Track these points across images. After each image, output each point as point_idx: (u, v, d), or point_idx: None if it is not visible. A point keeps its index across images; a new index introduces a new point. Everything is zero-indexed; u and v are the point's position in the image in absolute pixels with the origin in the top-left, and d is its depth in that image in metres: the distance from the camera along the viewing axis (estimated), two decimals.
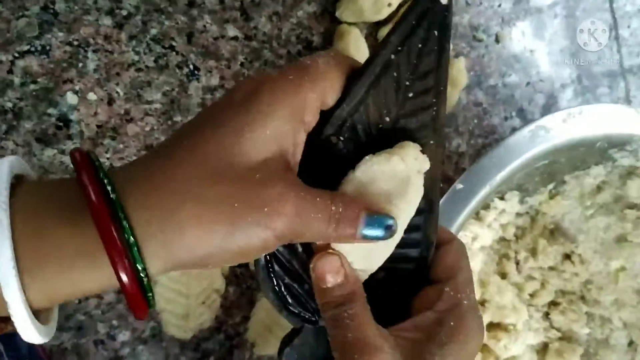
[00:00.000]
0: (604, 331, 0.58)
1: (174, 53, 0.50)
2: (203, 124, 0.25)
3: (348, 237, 0.26)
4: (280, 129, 0.24)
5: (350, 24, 0.54)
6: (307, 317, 0.30)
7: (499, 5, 0.62)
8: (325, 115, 0.28)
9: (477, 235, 0.54)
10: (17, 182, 0.24)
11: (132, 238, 0.22)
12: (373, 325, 0.27)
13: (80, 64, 0.47)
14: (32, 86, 0.46)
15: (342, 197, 0.26)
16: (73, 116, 0.47)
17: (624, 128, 0.51)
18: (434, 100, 0.28)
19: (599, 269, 0.58)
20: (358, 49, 0.52)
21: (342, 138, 0.28)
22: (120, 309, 0.49)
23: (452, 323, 0.28)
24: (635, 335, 0.56)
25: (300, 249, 0.29)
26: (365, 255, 0.28)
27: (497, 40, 0.62)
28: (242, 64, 0.52)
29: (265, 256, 0.28)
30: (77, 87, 0.47)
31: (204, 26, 0.51)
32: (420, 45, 0.27)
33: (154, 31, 0.49)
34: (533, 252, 0.58)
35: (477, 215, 0.54)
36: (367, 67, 0.27)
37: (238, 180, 0.23)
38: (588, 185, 0.57)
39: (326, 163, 0.28)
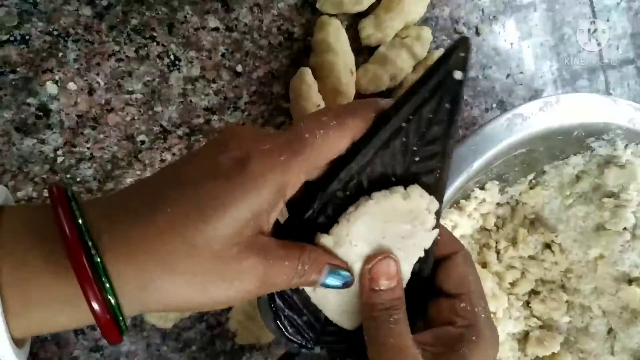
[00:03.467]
0: (583, 319, 0.58)
1: (155, 43, 0.50)
2: (185, 190, 0.25)
3: (309, 283, 0.29)
4: (261, 207, 0.25)
5: (330, 15, 0.54)
6: (304, 344, 0.31)
7: None
8: (333, 170, 0.29)
9: (457, 224, 0.54)
10: None
11: (107, 284, 0.23)
12: (410, 335, 0.29)
13: (60, 54, 0.47)
14: (12, 76, 0.46)
15: (309, 254, 0.28)
16: (53, 106, 0.47)
17: (601, 117, 0.51)
18: (439, 164, 0.30)
19: (578, 257, 0.58)
20: (338, 40, 0.53)
21: (347, 193, 0.30)
22: None
23: (473, 338, 0.30)
24: (614, 322, 0.57)
25: (301, 287, 0.31)
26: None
27: (478, 33, 0.63)
28: (223, 55, 0.52)
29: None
30: (57, 77, 0.47)
31: (185, 17, 0.51)
32: (430, 116, 0.29)
33: (134, 21, 0.49)
34: (513, 241, 0.59)
35: (457, 205, 0.55)
36: (378, 131, 0.28)
37: (213, 256, 0.24)
38: (567, 175, 0.57)
39: (329, 212, 0.30)
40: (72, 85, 0.48)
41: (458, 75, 0.28)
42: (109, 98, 0.49)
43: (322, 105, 0.51)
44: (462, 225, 0.55)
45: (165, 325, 0.50)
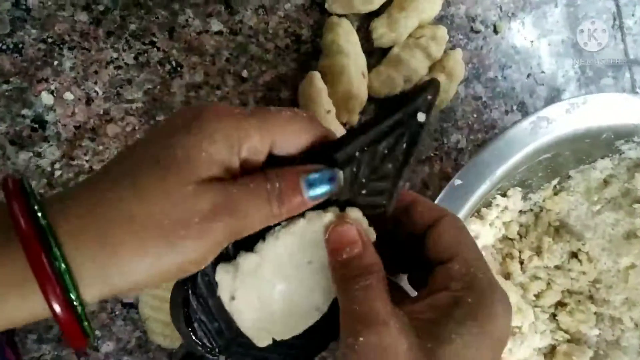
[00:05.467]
0: (614, 332, 0.56)
1: (155, 49, 0.48)
2: (139, 147, 0.24)
3: (298, 206, 0.26)
4: (218, 153, 0.24)
5: (340, 15, 0.52)
6: (209, 349, 0.29)
7: None
8: None
9: (478, 234, 0.51)
10: None
11: (63, 265, 0.21)
12: (385, 301, 0.26)
13: (56, 62, 0.45)
14: (5, 86, 0.44)
15: (276, 171, 0.25)
16: (49, 117, 0.45)
17: (631, 118, 0.48)
18: (384, 202, 0.29)
19: (607, 267, 0.55)
20: (349, 41, 0.50)
21: None
22: (104, 318, 0.47)
23: (469, 300, 0.27)
24: None
25: (218, 294, 0.29)
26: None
27: (496, 32, 0.60)
28: (227, 60, 0.50)
29: (185, 290, 0.28)
30: (52, 87, 0.45)
31: (186, 21, 0.48)
32: (386, 152, 0.28)
33: (133, 27, 0.47)
34: (538, 250, 0.56)
35: (478, 213, 0.52)
36: (330, 155, 0.28)
37: (166, 196, 0.22)
38: (594, 180, 0.55)
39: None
40: (68, 95, 0.45)
41: (421, 117, 0.28)
42: (108, 108, 0.46)
43: (333, 110, 0.48)
44: (484, 235, 0.52)
45: (170, 345, 0.48)
